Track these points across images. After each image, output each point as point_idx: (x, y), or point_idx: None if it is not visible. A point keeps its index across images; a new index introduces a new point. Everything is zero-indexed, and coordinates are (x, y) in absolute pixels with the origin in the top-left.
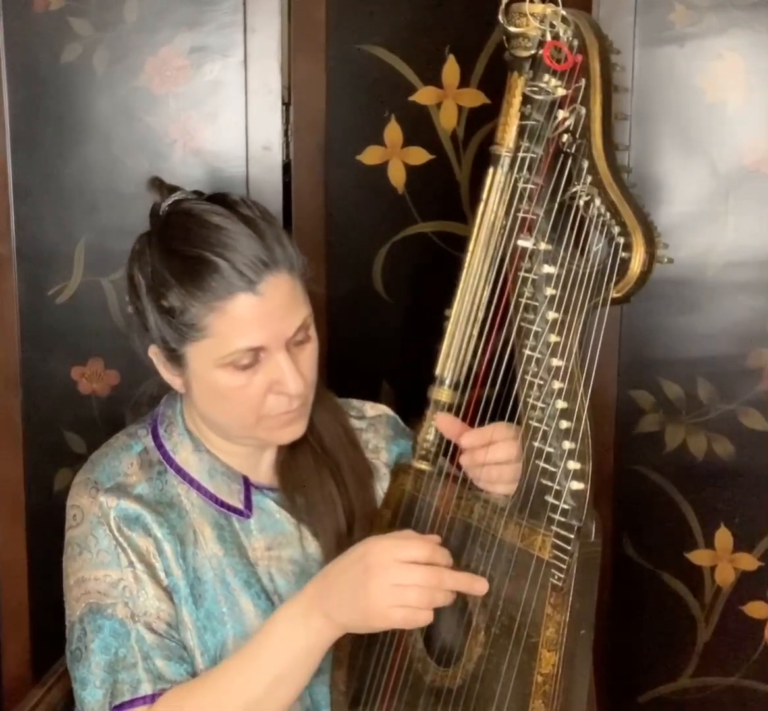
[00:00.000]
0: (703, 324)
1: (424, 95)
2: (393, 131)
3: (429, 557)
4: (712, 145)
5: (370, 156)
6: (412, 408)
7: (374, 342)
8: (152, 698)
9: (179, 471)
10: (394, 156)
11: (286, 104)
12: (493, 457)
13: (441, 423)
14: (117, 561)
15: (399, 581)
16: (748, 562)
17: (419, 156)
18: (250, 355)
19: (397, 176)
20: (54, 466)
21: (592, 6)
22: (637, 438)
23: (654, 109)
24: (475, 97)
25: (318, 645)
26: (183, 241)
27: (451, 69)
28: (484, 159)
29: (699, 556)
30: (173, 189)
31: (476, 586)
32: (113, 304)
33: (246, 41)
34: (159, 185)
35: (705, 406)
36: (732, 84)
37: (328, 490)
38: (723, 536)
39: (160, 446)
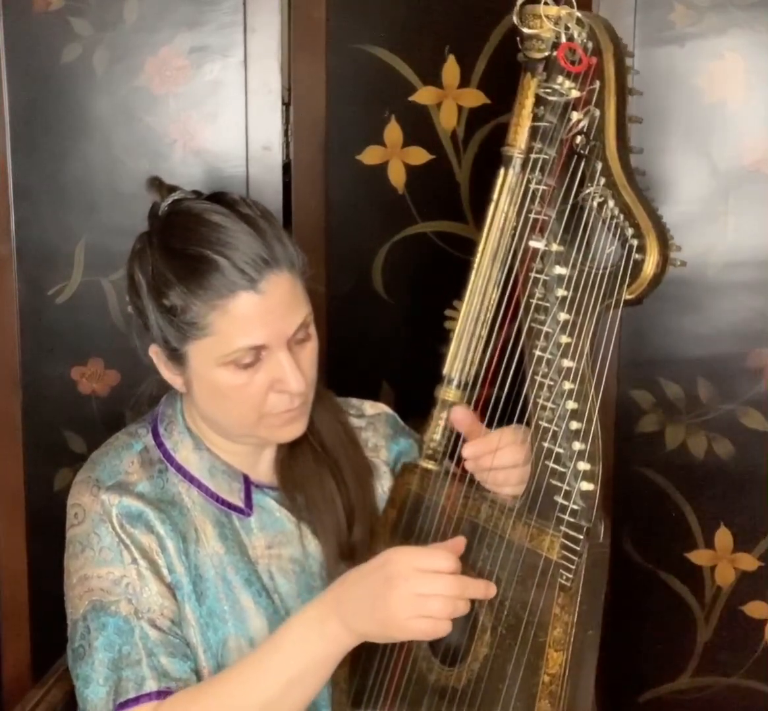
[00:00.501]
0: (703, 324)
1: (424, 95)
2: (393, 131)
3: (453, 568)
4: (712, 145)
5: (370, 156)
6: (412, 408)
7: (374, 342)
8: (157, 695)
9: (180, 469)
10: (394, 156)
11: (286, 104)
12: (498, 462)
13: (455, 415)
14: (120, 558)
15: (422, 591)
16: (748, 562)
17: (419, 156)
18: (251, 353)
19: (397, 176)
20: (54, 466)
21: (592, 6)
22: (637, 438)
23: (654, 109)
24: (475, 97)
25: (333, 652)
26: (184, 240)
27: (451, 69)
28: (485, 159)
29: (699, 556)
30: (172, 189)
31: (490, 591)
32: (113, 304)
33: (246, 41)
34: (158, 185)
35: (705, 406)
36: (732, 84)
37: (328, 489)
38: (723, 536)
39: (160, 445)
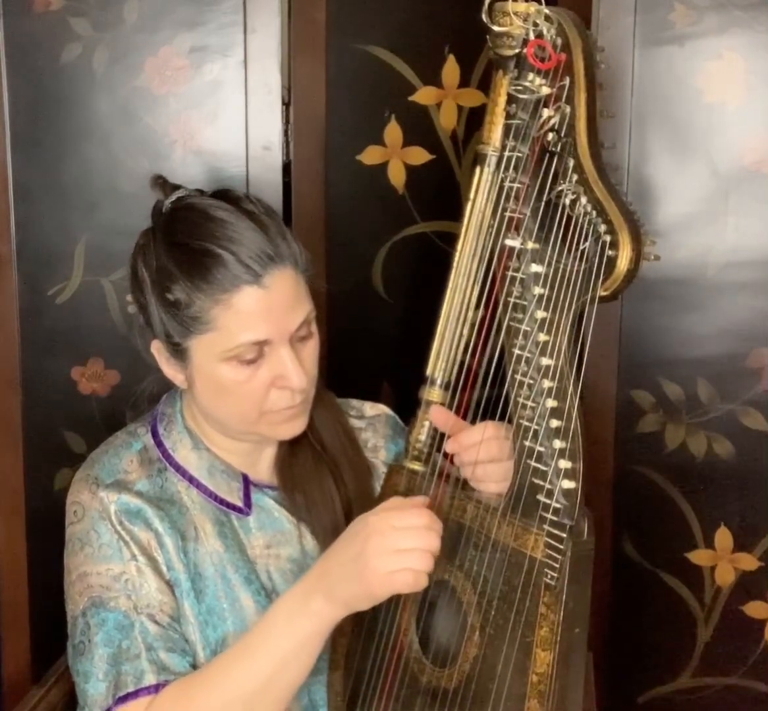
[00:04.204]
0: (703, 324)
1: (424, 95)
2: (393, 131)
3: (428, 524)
4: (712, 145)
5: (370, 156)
6: (412, 408)
7: (374, 342)
8: (156, 689)
9: (178, 469)
10: (394, 156)
11: (286, 104)
12: (479, 456)
13: (435, 416)
14: (119, 554)
15: (400, 546)
16: (748, 562)
17: (419, 156)
18: (254, 349)
19: (397, 176)
20: (54, 466)
21: (592, 6)
22: (637, 438)
23: (654, 109)
24: (475, 97)
25: (320, 628)
26: (188, 235)
27: (451, 69)
28: None
29: (699, 556)
30: (176, 187)
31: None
32: (113, 304)
33: (246, 41)
34: (162, 183)
35: (705, 406)
36: (732, 84)
37: (327, 489)
38: (723, 536)
39: (159, 444)
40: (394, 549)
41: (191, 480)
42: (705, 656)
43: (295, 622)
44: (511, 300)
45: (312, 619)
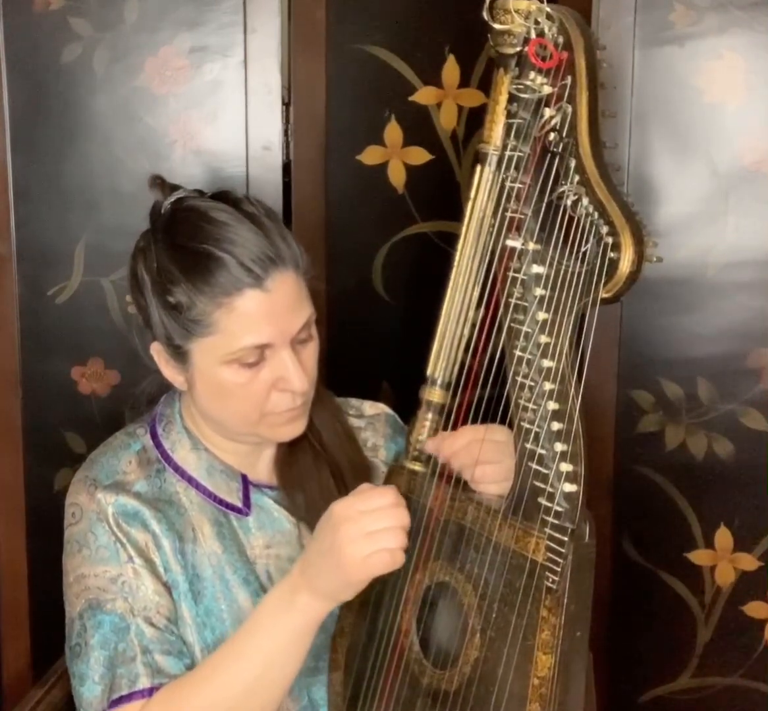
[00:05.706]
0: (703, 324)
1: (424, 95)
2: (393, 131)
3: (393, 501)
4: (712, 145)
5: (370, 156)
6: (412, 408)
7: (374, 342)
8: (150, 692)
9: (177, 469)
10: (394, 156)
11: (286, 104)
12: (465, 458)
13: (430, 449)
14: (116, 557)
15: (370, 529)
16: (748, 562)
17: (419, 156)
18: (256, 352)
19: (397, 176)
20: (54, 466)
21: (591, 6)
22: (637, 438)
23: (653, 109)
24: (475, 97)
25: (307, 622)
26: (189, 237)
27: (451, 69)
28: None
29: (699, 556)
30: (175, 187)
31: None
32: (113, 304)
33: (246, 41)
34: (160, 184)
35: (705, 406)
36: (732, 84)
37: (327, 489)
38: (723, 536)
39: (158, 445)
40: (364, 533)
41: (190, 480)
42: (705, 656)
43: (281, 620)
44: (512, 301)
45: (298, 615)
